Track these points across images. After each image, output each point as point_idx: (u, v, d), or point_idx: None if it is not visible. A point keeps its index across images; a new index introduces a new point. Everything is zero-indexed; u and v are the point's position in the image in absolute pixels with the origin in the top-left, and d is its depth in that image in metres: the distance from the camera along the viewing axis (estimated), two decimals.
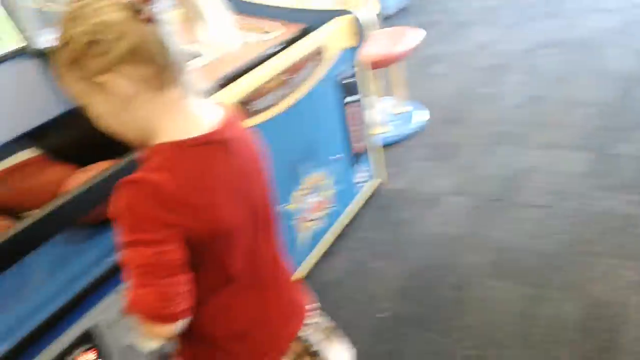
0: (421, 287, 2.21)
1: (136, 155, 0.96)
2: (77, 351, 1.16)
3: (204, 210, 0.87)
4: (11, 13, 1.46)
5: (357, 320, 2.11)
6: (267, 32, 2.26)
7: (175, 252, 0.84)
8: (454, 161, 2.98)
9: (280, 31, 2.32)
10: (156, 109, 0.89)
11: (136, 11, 0.83)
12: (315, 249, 2.35)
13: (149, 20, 0.84)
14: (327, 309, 2.09)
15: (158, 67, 0.86)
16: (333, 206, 2.42)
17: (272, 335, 1.03)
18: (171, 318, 0.85)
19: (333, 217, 2.44)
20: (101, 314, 1.23)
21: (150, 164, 0.87)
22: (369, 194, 2.75)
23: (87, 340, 1.19)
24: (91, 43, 0.83)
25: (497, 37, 4.51)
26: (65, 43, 0.84)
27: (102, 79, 0.84)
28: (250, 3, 2.53)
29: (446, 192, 2.75)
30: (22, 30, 1.48)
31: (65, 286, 1.18)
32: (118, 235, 0.84)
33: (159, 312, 0.84)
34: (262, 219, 0.99)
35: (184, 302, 0.86)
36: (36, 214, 1.11)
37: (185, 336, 0.94)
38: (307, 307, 1.12)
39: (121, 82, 0.85)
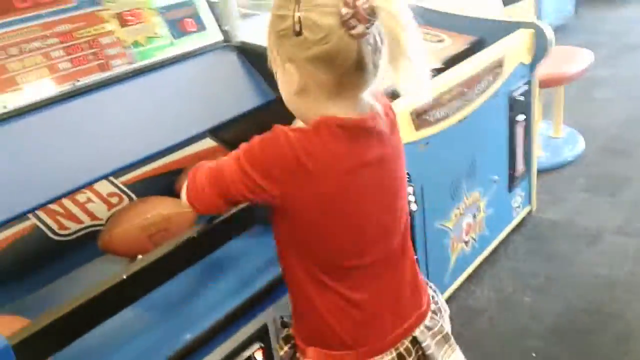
0: (579, 330, 2.01)
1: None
2: (250, 348, 1.15)
3: (317, 180, 0.90)
4: (213, 6, 1.51)
5: (503, 355, 1.97)
6: (440, 41, 2.17)
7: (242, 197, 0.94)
8: (620, 196, 2.71)
9: (451, 40, 2.22)
10: (320, 107, 0.92)
11: (351, 26, 0.84)
12: (462, 273, 2.22)
13: (358, 37, 0.85)
14: (471, 337, 2.00)
15: (341, 79, 0.89)
16: (485, 230, 2.29)
17: (386, 328, 1.02)
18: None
19: (483, 241, 2.31)
20: (274, 313, 1.21)
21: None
22: (520, 221, 2.57)
23: (259, 338, 1.18)
24: (297, 33, 0.86)
25: None
26: (279, 16, 0.88)
27: (287, 65, 0.90)
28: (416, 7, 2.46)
29: (609, 229, 2.50)
30: (223, 24, 1.53)
31: (245, 282, 1.18)
32: (241, 148, 0.93)
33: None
34: (392, 214, 1.01)
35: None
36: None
37: (304, 319, 1.03)
38: (426, 308, 1.08)
39: (301, 75, 0.89)
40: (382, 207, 0.99)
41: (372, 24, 0.84)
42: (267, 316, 1.19)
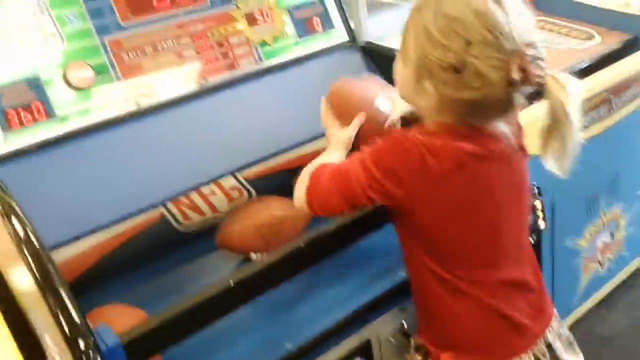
0: None
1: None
2: None
3: (444, 180, 0.89)
4: (341, 5, 1.49)
5: None
6: (588, 38, 1.97)
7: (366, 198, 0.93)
8: None
9: (601, 38, 2.00)
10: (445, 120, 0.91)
11: (516, 86, 0.83)
12: (593, 296, 2.03)
13: (518, 91, 0.85)
14: None
15: (480, 115, 0.89)
16: (624, 250, 2.06)
17: (521, 328, 1.01)
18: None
19: (621, 262, 2.08)
20: (378, 329, 1.18)
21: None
22: None
23: (360, 353, 1.15)
24: (452, 71, 0.83)
25: None
26: (442, 44, 0.83)
27: (427, 85, 0.87)
28: (564, 1, 2.25)
29: None
30: (350, 24, 1.50)
31: (351, 295, 1.16)
32: (365, 151, 0.94)
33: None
34: (521, 212, 1.02)
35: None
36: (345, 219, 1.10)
37: (434, 324, 1.04)
38: (552, 310, 1.10)
39: (439, 101, 0.88)
40: (515, 208, 0.99)
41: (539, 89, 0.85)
42: (370, 332, 1.15)
